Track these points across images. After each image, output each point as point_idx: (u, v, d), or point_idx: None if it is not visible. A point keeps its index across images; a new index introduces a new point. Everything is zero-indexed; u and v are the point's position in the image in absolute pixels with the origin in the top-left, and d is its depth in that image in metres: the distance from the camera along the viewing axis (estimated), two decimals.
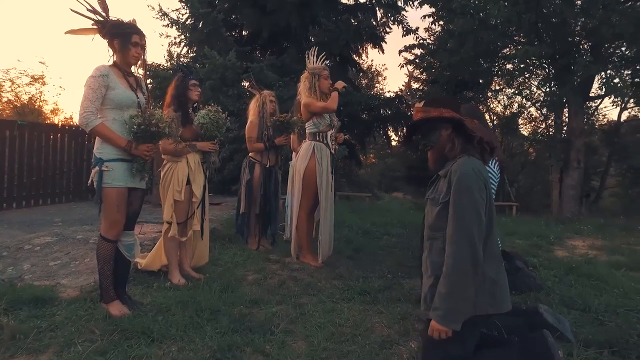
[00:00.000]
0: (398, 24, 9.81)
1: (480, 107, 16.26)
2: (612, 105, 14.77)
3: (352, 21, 9.39)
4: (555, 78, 8.36)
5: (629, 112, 14.74)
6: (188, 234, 3.18)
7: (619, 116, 14.71)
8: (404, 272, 3.52)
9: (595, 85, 8.70)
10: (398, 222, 6.05)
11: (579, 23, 7.26)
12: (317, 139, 3.70)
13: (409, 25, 9.99)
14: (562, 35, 7.17)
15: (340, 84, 3.83)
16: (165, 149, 2.99)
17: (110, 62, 2.52)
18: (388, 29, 9.66)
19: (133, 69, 2.59)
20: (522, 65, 8.37)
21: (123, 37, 2.47)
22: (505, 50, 9.59)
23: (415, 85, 16.38)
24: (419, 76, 16.34)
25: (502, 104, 16.09)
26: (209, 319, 2.47)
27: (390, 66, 45.90)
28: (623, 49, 7.76)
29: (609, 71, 7.56)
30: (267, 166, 4.23)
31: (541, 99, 12.30)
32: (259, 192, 4.15)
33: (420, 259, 1.95)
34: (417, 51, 14.32)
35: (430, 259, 1.76)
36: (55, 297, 2.62)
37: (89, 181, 2.47)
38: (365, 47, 12.03)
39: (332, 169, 3.66)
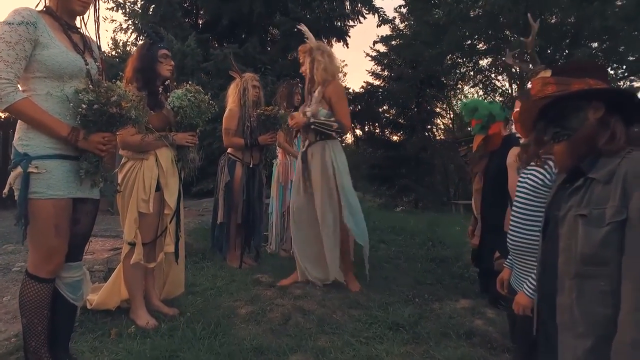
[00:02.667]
0: (374, 13, 9.28)
1: (445, 105, 16.35)
2: None
3: (325, 7, 8.73)
4: None
5: None
6: (158, 258, 2.35)
7: None
8: (429, 293, 2.91)
9: None
10: (387, 227, 5.48)
11: (566, 17, 7.18)
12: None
13: (385, 15, 9.50)
14: (549, 29, 7.03)
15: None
16: (127, 141, 2.14)
17: (41, 7, 1.65)
18: (362, 18, 9.10)
19: (79, 22, 1.74)
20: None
21: None
22: (480, 46, 9.42)
23: (376, 83, 16.07)
24: (380, 73, 16.08)
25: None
26: None
27: (350, 63, 45.57)
28: (594, 44, 7.81)
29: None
30: (251, 165, 3.45)
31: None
32: (241, 196, 3.36)
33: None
34: (382, 48, 14.02)
35: (584, 307, 1.13)
36: None
37: (6, 189, 1.59)
38: (331, 41, 11.44)
39: (329, 168, 2.91)
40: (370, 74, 15.31)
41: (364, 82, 16.02)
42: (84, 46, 1.71)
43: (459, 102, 16.13)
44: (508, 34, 7.92)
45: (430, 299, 2.80)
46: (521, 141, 2.05)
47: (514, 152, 2.75)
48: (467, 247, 4.52)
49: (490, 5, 6.78)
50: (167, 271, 2.48)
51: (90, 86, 1.62)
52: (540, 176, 1.86)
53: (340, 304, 2.65)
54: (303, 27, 3.07)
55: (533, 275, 1.79)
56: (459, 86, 14.81)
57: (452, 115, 17.23)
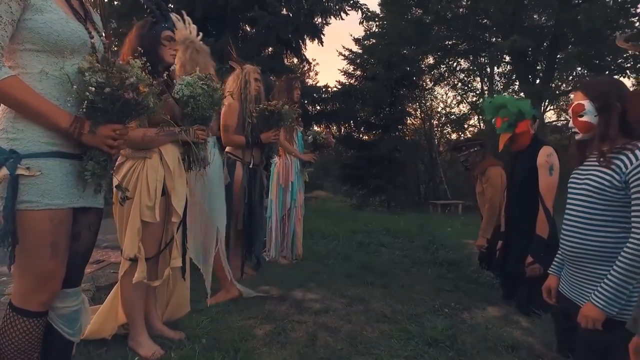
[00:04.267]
0: (357, 9, 9.09)
1: (415, 105, 16.50)
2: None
3: (304, 3, 8.44)
4: (518, 75, 8.41)
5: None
6: (164, 275, 1.99)
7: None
8: (453, 301, 2.73)
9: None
10: (381, 229, 5.30)
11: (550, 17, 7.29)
12: None
13: (368, 12, 9.32)
14: (535, 30, 7.14)
15: None
16: (128, 136, 1.78)
17: None
18: (344, 14, 8.89)
19: None
20: (500, 57, 8.23)
21: None
22: (461, 46, 9.46)
23: (350, 82, 15.93)
24: (352, 72, 15.99)
25: (442, 100, 16.40)
26: None
27: (322, 61, 45.01)
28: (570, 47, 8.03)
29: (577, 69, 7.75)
30: (251, 165, 3.13)
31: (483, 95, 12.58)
32: (242, 200, 3.03)
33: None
34: (354, 47, 13.94)
35: None
36: None
37: None
38: (305, 39, 11.17)
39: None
40: (343, 73, 15.22)
41: (337, 81, 15.89)
42: (86, 16, 1.36)
43: (431, 101, 16.37)
44: (487, 35, 8.00)
45: (457, 308, 2.61)
46: (577, 137, 1.88)
47: (545, 151, 2.61)
48: (469, 250, 4.42)
49: (484, 3, 6.76)
50: (171, 289, 2.13)
51: (98, 65, 1.27)
52: (607, 177, 1.68)
53: (366, 318, 2.40)
54: (174, 15, 2.63)
55: (605, 286, 1.62)
56: (431, 86, 15.00)
57: (423, 116, 17.43)
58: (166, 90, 1.99)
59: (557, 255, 1.96)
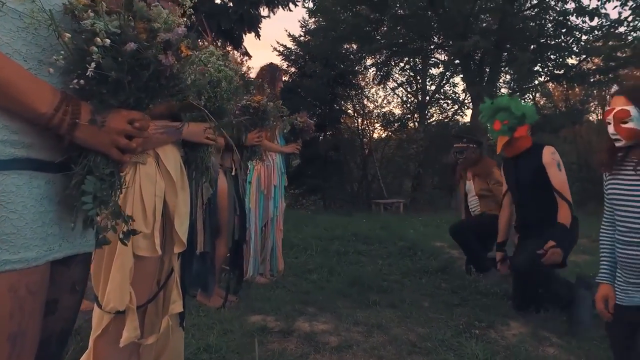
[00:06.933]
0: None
1: (351, 104, 16.59)
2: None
3: None
4: (467, 75, 8.68)
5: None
6: (162, 326, 1.42)
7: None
8: (471, 318, 2.48)
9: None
10: (349, 234, 5.00)
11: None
12: None
13: (320, 3, 8.91)
14: (484, 32, 7.41)
15: None
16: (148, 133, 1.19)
17: None
18: (293, 5, 8.40)
19: None
20: (456, 60, 8.38)
21: None
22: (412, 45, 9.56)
23: (284, 78, 15.45)
24: (287, 69, 15.55)
25: (373, 100, 16.63)
26: None
27: (254, 57, 43.44)
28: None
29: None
30: (233, 172, 2.60)
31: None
32: (232, 213, 2.50)
33: None
34: (290, 43, 13.61)
35: None
36: None
37: None
38: (245, 32, 10.52)
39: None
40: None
41: None
42: None
43: (366, 100, 16.58)
44: (438, 36, 8.18)
45: (482, 327, 2.38)
46: (618, 144, 1.73)
47: (549, 150, 2.56)
48: (447, 254, 4.30)
49: (447, 2, 6.83)
50: (163, 341, 1.55)
51: (104, 3, 0.73)
52: None
53: (396, 350, 2.04)
54: None
55: None
56: (366, 85, 15.26)
57: (356, 115, 17.58)
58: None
59: (605, 263, 1.82)
